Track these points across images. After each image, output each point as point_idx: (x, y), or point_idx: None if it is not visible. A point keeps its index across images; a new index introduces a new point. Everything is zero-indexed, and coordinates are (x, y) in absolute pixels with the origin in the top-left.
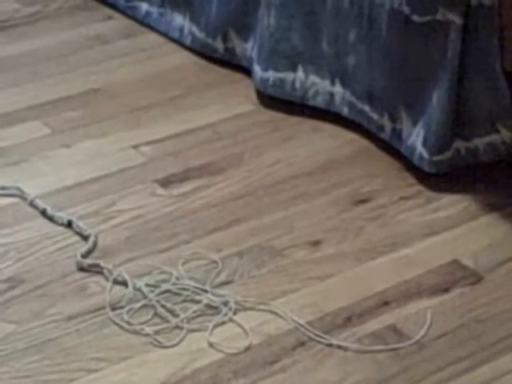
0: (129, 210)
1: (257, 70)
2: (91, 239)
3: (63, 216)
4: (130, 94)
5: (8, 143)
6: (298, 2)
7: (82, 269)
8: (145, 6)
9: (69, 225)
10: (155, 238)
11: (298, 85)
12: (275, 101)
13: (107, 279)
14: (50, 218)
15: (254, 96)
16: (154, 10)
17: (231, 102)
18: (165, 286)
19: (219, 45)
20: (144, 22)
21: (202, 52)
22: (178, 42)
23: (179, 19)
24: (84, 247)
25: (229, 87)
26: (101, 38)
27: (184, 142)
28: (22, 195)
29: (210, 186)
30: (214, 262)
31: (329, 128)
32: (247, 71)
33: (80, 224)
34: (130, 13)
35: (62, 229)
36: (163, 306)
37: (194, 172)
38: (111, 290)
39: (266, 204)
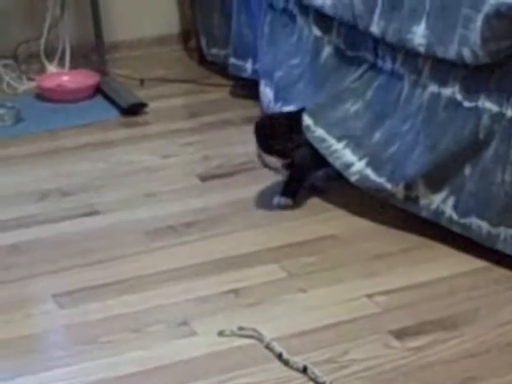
0: (362, 360)
1: (483, 225)
2: None
3: (299, 361)
4: (366, 242)
5: (246, 284)
6: None
7: None
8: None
9: (304, 370)
10: None
11: None
12: (508, 257)
13: None
14: (286, 362)
15: (484, 251)
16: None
17: (464, 257)
18: None
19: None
20: None
21: None
22: None
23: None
24: None
25: (460, 240)
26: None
27: (419, 295)
28: (258, 337)
29: (445, 341)
30: None
31: None
32: None
33: (315, 371)
34: None
35: (297, 374)
36: None
37: (428, 326)
38: None
39: (500, 364)
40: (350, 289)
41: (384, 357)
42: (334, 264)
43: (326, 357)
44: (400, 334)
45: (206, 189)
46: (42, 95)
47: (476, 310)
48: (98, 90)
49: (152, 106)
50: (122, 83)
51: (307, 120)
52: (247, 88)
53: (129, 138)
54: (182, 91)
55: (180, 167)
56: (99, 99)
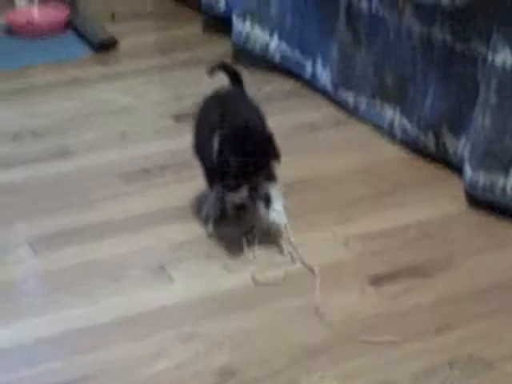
0: (337, 306)
1: (467, 169)
2: None
3: None
4: (339, 186)
5: None
6: None
7: None
8: (352, 98)
9: None
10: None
11: (508, 189)
12: (485, 203)
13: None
14: None
15: (462, 196)
16: (363, 100)
17: (439, 201)
18: None
19: (430, 141)
20: (353, 113)
21: (412, 146)
22: (387, 135)
23: (390, 112)
24: None
25: (437, 185)
26: (312, 126)
27: (392, 240)
28: None
29: (419, 288)
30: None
31: None
32: (457, 169)
33: None
34: (338, 102)
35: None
36: None
37: (402, 272)
38: None
39: (474, 312)
40: (324, 234)
41: (359, 303)
42: (307, 209)
43: (299, 303)
44: (375, 280)
45: (181, 129)
46: (12, 31)
47: (450, 257)
48: (68, 25)
49: (124, 42)
50: (93, 17)
51: None
52: (220, 24)
53: (101, 76)
54: (154, 27)
55: (153, 107)
56: (70, 35)
